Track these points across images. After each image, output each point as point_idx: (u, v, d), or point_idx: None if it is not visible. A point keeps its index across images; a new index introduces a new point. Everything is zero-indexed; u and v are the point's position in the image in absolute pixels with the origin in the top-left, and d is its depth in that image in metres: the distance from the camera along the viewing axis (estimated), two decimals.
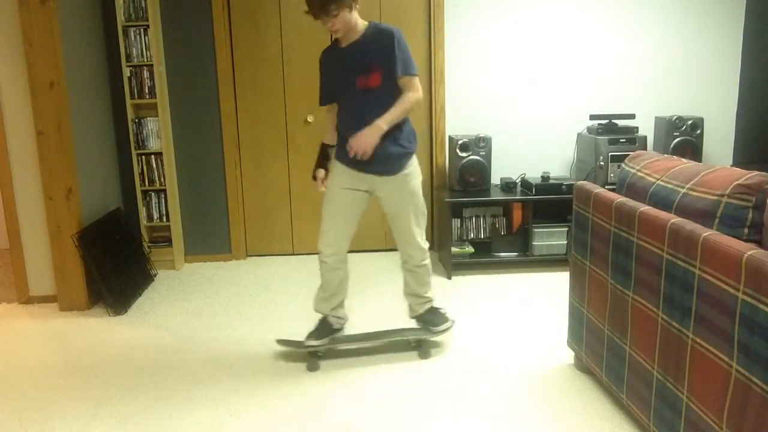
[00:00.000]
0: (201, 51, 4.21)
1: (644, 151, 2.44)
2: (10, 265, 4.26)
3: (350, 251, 2.87)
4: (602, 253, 2.32)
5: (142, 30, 4.00)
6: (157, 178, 4.20)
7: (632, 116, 4.13)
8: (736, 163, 4.53)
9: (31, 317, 3.52)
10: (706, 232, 1.73)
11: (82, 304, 3.60)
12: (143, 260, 4.05)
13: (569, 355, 2.86)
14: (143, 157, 4.17)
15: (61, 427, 2.40)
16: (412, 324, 3.03)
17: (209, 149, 4.35)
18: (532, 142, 4.45)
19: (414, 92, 2.61)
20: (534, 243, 4.04)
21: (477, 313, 3.40)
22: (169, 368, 2.87)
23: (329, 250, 2.77)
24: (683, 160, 2.21)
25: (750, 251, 1.56)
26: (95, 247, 3.58)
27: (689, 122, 4.08)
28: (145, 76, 4.06)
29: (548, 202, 4.02)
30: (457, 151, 4.05)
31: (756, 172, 1.82)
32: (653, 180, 2.18)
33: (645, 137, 4.04)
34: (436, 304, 2.99)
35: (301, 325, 3.24)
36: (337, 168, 2.78)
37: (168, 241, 4.29)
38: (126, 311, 3.56)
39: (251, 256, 4.56)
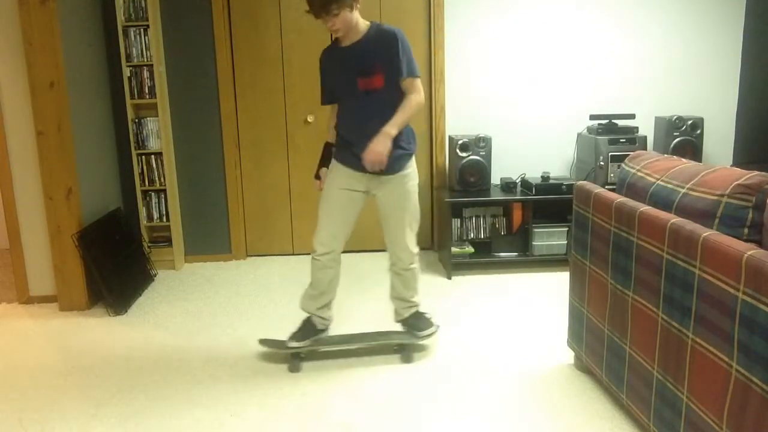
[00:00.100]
0: (201, 51, 4.21)
1: (644, 151, 2.44)
2: (10, 265, 4.26)
3: (350, 251, 2.87)
4: (602, 253, 2.32)
5: (142, 30, 4.00)
6: (157, 178, 4.20)
7: (632, 116, 4.13)
8: (736, 163, 4.53)
9: (31, 317, 3.52)
10: (706, 232, 1.73)
11: (82, 304, 3.60)
12: (143, 260, 4.05)
13: (569, 355, 2.86)
14: (143, 157, 4.17)
15: (61, 427, 2.40)
16: (398, 327, 3.02)
17: (209, 149, 4.35)
18: (532, 142, 4.45)
19: (417, 94, 2.61)
20: (534, 243, 4.04)
21: (477, 313, 3.40)
22: (169, 368, 2.87)
23: (323, 249, 2.77)
24: (683, 160, 2.21)
25: (750, 251, 1.56)
26: (95, 247, 3.58)
27: (689, 122, 4.08)
28: (145, 76, 4.06)
29: (548, 202, 4.02)
30: (457, 151, 4.05)
31: (756, 172, 1.82)
32: (653, 180, 2.18)
33: (645, 137, 4.04)
34: (422, 309, 2.98)
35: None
36: (336, 168, 2.78)
37: (168, 241, 4.29)
38: (126, 311, 3.56)
39: (251, 256, 4.56)
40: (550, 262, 4.16)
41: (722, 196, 1.83)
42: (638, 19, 4.33)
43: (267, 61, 4.32)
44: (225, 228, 4.44)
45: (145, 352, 3.03)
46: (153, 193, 4.24)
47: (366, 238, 4.46)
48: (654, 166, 2.24)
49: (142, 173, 4.19)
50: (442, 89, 4.33)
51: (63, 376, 2.82)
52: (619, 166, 3.75)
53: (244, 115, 4.38)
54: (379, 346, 2.98)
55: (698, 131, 4.09)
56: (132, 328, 3.34)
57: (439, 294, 3.70)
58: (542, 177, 4.08)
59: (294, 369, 2.81)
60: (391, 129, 2.55)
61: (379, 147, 2.52)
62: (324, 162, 2.84)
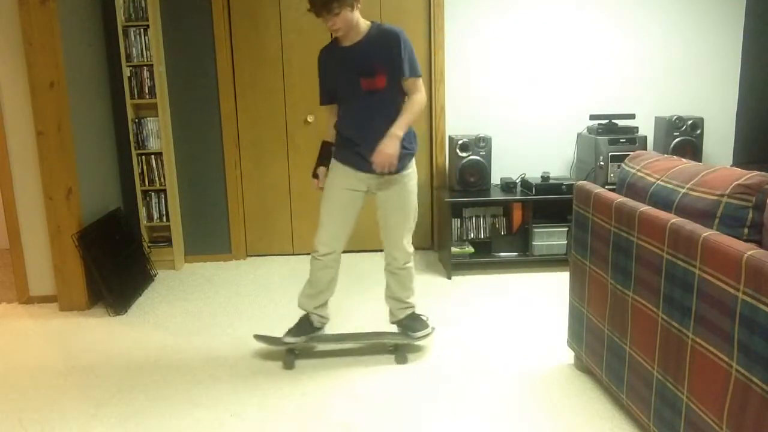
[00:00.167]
0: (201, 51, 4.21)
1: (644, 151, 2.44)
2: (10, 265, 4.26)
3: (349, 251, 2.87)
4: (602, 253, 2.32)
5: (142, 30, 4.00)
6: (157, 178, 4.20)
7: (632, 116, 4.13)
8: (736, 163, 4.53)
9: (31, 317, 3.52)
10: (706, 232, 1.73)
11: (82, 304, 3.60)
12: (143, 260, 4.05)
13: (569, 355, 2.86)
14: (143, 157, 4.17)
15: (61, 427, 2.40)
16: (393, 328, 3.02)
17: (209, 149, 4.35)
18: (532, 142, 4.45)
19: (420, 94, 2.63)
20: (534, 243, 4.04)
21: (477, 313, 3.40)
22: (169, 368, 2.87)
23: (325, 249, 2.77)
24: (683, 160, 2.21)
25: (750, 251, 1.56)
26: (95, 247, 3.58)
27: (689, 122, 4.08)
28: (145, 76, 4.06)
29: (548, 202, 4.02)
30: (457, 151, 4.05)
31: (756, 172, 1.82)
32: (653, 180, 2.18)
33: (645, 137, 4.04)
34: (418, 310, 2.98)
35: None
36: (336, 168, 2.78)
37: (168, 241, 4.29)
38: (126, 311, 3.56)
39: (251, 256, 4.56)
40: (550, 262, 4.16)
41: (722, 196, 1.83)
42: (638, 19, 4.33)
43: (267, 61, 4.32)
44: (225, 228, 4.44)
45: (145, 352, 3.03)
46: (153, 193, 4.24)
47: (366, 238, 4.46)
48: (654, 166, 2.24)
49: (142, 173, 4.19)
50: (442, 89, 4.33)
51: (63, 376, 2.82)
52: (619, 166, 3.75)
53: (244, 115, 4.38)
54: (375, 346, 2.98)
55: (698, 131, 4.09)
56: (132, 328, 3.34)
57: (438, 294, 3.70)
58: (542, 177, 4.08)
59: (288, 366, 2.81)
60: (399, 130, 2.55)
61: (390, 149, 2.52)
62: (321, 161, 2.83)
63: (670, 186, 2.07)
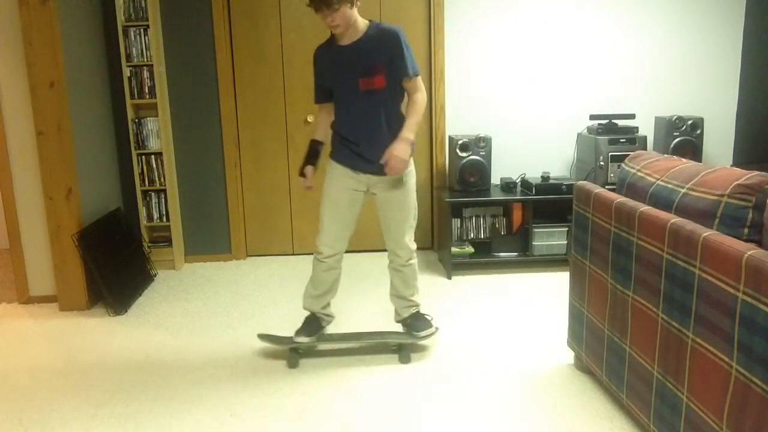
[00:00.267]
0: (201, 51, 4.21)
1: (644, 151, 2.44)
2: (10, 265, 4.26)
3: (350, 251, 2.87)
4: (602, 253, 2.32)
5: (142, 30, 4.00)
6: (157, 178, 4.20)
7: (632, 116, 4.13)
8: (736, 163, 4.53)
9: (31, 317, 3.52)
10: (706, 232, 1.73)
11: (82, 304, 3.60)
12: (143, 260, 4.05)
13: (569, 355, 2.86)
14: (143, 157, 4.17)
15: (61, 427, 2.40)
16: (397, 327, 3.02)
17: (209, 149, 4.35)
18: (532, 142, 4.45)
19: (422, 93, 2.63)
20: (534, 243, 4.04)
21: (477, 313, 3.40)
22: (169, 368, 2.87)
23: (329, 250, 2.77)
24: (683, 160, 2.21)
25: (750, 251, 1.56)
26: (95, 247, 3.58)
27: (689, 122, 4.08)
28: (145, 76, 4.06)
29: (548, 202, 4.02)
30: (457, 151, 4.05)
31: (756, 172, 1.82)
32: (653, 180, 2.18)
33: (645, 137, 4.04)
34: (422, 310, 2.98)
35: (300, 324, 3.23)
36: (335, 168, 2.77)
37: (168, 241, 4.29)
38: (126, 311, 3.56)
39: (251, 256, 4.56)
40: (550, 262, 4.16)
41: (722, 196, 1.83)
42: (638, 19, 4.33)
43: (267, 61, 4.32)
44: (225, 228, 4.44)
45: (145, 352, 3.03)
46: (153, 193, 4.24)
47: (366, 238, 4.46)
48: (654, 166, 2.24)
49: (142, 173, 4.19)
50: (442, 89, 4.33)
51: (63, 376, 2.82)
52: (619, 166, 3.75)
53: (244, 115, 4.38)
54: (378, 346, 2.98)
55: (698, 131, 4.09)
56: (132, 328, 3.34)
57: (439, 294, 3.70)
58: (542, 177, 4.08)
59: (292, 364, 2.82)
60: (410, 134, 2.56)
61: (403, 153, 2.53)
62: (309, 159, 2.81)
63: (670, 186, 2.07)
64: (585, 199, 2.46)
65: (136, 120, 4.12)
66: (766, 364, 1.49)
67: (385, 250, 2.92)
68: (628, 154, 2.70)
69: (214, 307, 3.60)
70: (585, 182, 2.53)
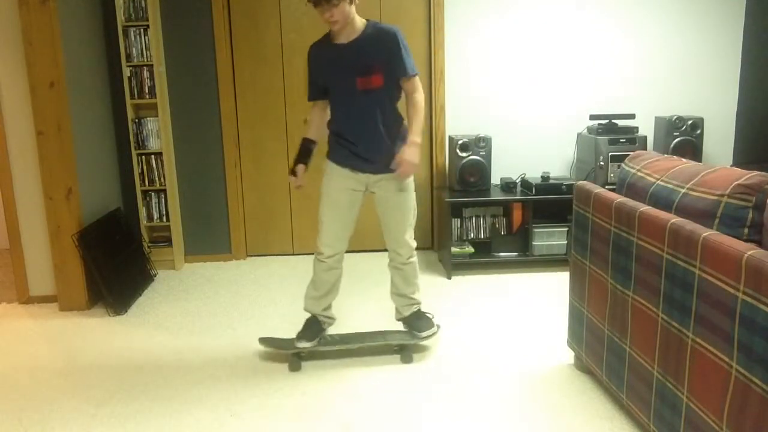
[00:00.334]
0: (201, 51, 4.21)
1: (644, 151, 2.44)
2: (10, 265, 4.26)
3: (350, 251, 2.87)
4: (602, 253, 2.32)
5: (142, 30, 4.00)
6: (157, 178, 4.20)
7: (632, 116, 4.13)
8: (736, 163, 4.53)
9: (31, 317, 3.52)
10: (706, 232, 1.73)
11: (82, 304, 3.60)
12: (143, 260, 4.05)
13: (569, 355, 2.86)
14: (143, 157, 4.17)
15: (61, 427, 2.40)
16: (398, 327, 3.01)
17: (209, 149, 4.35)
18: (532, 142, 4.45)
19: (420, 92, 2.64)
20: (534, 243, 4.04)
21: (477, 313, 3.40)
22: (169, 368, 2.87)
23: (329, 251, 2.77)
24: (683, 160, 2.21)
25: (750, 251, 1.56)
26: (95, 247, 3.58)
27: (689, 122, 4.08)
28: (145, 76, 4.06)
29: (548, 202, 4.02)
30: (457, 151, 4.05)
31: (756, 172, 1.82)
32: (653, 180, 2.18)
33: (645, 137, 4.04)
34: (423, 308, 2.98)
35: (301, 326, 3.23)
36: (333, 169, 2.76)
37: (168, 241, 4.29)
38: (126, 311, 3.56)
39: (251, 256, 4.56)
40: (550, 262, 4.16)
41: (722, 196, 1.83)
42: (638, 19, 4.33)
43: (267, 61, 4.32)
44: (225, 228, 4.44)
45: (145, 352, 3.03)
46: (153, 193, 4.24)
47: (366, 238, 4.46)
48: (654, 166, 2.24)
49: (142, 173, 4.19)
50: (442, 89, 4.33)
51: (63, 376, 2.82)
52: (619, 166, 3.74)
53: (244, 115, 4.38)
54: (379, 346, 2.97)
55: (698, 131, 4.09)
56: (132, 328, 3.34)
57: (439, 294, 3.70)
58: (542, 177, 4.08)
59: (294, 368, 2.81)
60: (418, 137, 2.58)
61: (414, 158, 2.55)
62: (301, 158, 2.78)
63: (670, 186, 2.07)
64: (585, 199, 2.46)
65: (136, 120, 4.12)
66: (766, 364, 1.49)
67: (385, 250, 2.92)
68: (628, 154, 2.70)
69: (214, 307, 3.60)
70: (585, 182, 2.53)
